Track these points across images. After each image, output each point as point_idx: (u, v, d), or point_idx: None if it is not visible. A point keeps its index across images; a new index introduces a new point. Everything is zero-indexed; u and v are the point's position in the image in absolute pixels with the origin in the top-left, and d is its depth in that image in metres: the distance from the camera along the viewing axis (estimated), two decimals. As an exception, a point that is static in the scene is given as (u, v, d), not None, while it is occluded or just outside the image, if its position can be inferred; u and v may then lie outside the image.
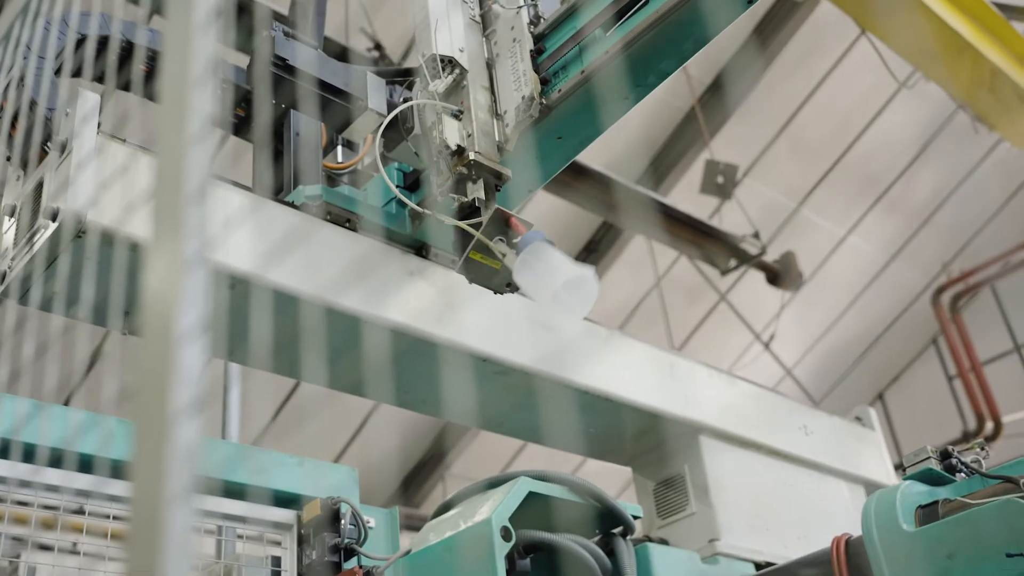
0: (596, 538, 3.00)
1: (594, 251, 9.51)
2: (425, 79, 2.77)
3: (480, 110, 2.75)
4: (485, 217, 2.57)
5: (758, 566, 3.33)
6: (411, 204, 2.78)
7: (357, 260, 2.83)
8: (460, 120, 2.71)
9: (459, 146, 2.65)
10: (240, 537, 2.73)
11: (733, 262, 8.56)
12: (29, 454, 2.15)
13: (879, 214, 10.90)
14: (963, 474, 2.85)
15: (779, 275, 8.81)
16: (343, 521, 2.58)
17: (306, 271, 2.68)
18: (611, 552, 2.95)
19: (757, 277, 9.27)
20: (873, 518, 2.64)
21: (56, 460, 2.20)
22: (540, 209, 8.77)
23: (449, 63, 2.82)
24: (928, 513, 2.62)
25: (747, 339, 10.10)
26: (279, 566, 2.63)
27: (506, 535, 2.66)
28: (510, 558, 2.71)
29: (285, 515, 2.64)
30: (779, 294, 9.54)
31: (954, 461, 2.86)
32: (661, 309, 9.13)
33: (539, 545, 2.81)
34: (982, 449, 2.98)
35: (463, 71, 2.81)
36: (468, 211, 2.62)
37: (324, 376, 2.92)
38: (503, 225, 2.59)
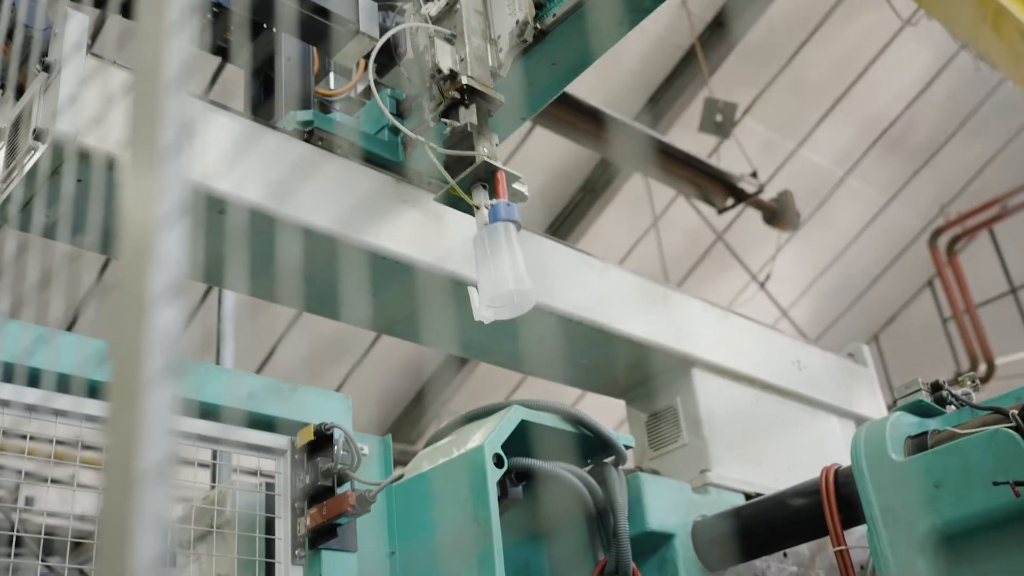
0: (588, 467, 3.02)
1: (591, 190, 9.46)
2: (417, 2, 2.72)
3: (473, 34, 2.70)
4: (477, 147, 2.54)
5: (748, 496, 3.36)
6: (404, 130, 2.75)
7: (350, 187, 2.81)
8: (453, 44, 2.66)
9: (452, 70, 2.60)
10: (235, 470, 2.74)
11: (730, 201, 8.53)
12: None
13: (878, 155, 10.83)
14: (953, 406, 2.87)
15: (776, 214, 8.78)
16: (336, 447, 2.59)
17: (298, 198, 2.66)
18: (602, 481, 2.98)
19: (754, 217, 9.24)
20: (863, 448, 2.65)
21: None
22: (537, 146, 8.71)
23: None
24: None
25: (743, 279, 10.10)
26: (273, 490, 2.65)
27: (498, 462, 2.68)
28: (502, 485, 2.74)
29: (279, 440, 2.65)
30: (776, 235, 9.52)
31: (944, 393, 2.87)
32: (658, 248, 9.11)
33: (531, 473, 2.83)
34: (973, 383, 2.99)
35: None
36: (460, 137, 2.58)
37: (314, 304, 2.93)
38: (488, 176, 2.53)
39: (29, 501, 7.83)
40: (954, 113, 10.84)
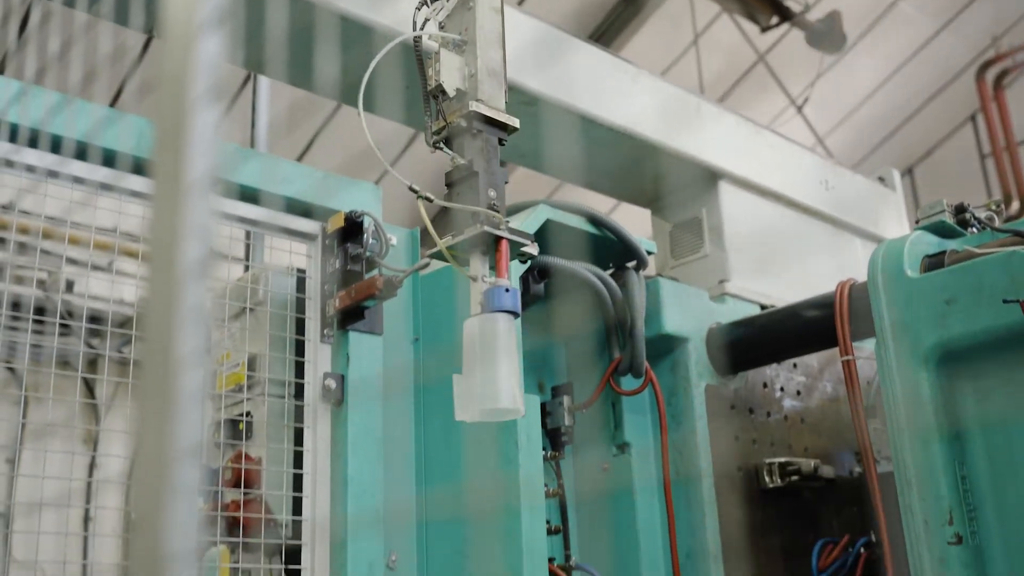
0: (610, 271, 3.10)
1: (632, 2, 9.19)
2: None
3: (488, 44, 2.29)
4: (481, 192, 2.18)
5: (763, 308, 3.44)
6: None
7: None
8: (463, 54, 2.27)
9: (459, 90, 2.23)
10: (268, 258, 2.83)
11: (775, 19, 8.28)
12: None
13: (934, -21, 10.41)
14: (975, 229, 2.90)
15: (822, 36, 8.53)
16: (366, 234, 2.67)
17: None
18: (623, 284, 3.06)
19: (798, 39, 8.98)
20: (880, 263, 2.70)
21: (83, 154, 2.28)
22: (581, -48, 8.42)
23: None
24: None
25: (781, 103, 9.93)
26: (303, 274, 2.75)
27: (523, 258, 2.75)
28: (525, 281, 2.83)
29: (310, 225, 2.73)
30: (819, 59, 9.28)
31: (967, 216, 2.90)
32: (696, 66, 8.93)
33: (553, 270, 2.91)
34: (997, 207, 3.01)
35: None
36: (463, 175, 2.21)
37: (337, 88, 2.90)
38: (490, 244, 2.17)
39: (70, 285, 8.09)
40: (1020, -64, 10.33)
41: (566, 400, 3.10)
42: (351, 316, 2.64)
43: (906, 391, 2.56)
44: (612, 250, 3.09)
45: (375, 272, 2.63)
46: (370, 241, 2.67)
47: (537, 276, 2.88)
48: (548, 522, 2.84)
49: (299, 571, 2.49)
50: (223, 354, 2.92)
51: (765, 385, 3.28)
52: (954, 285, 2.54)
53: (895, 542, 2.57)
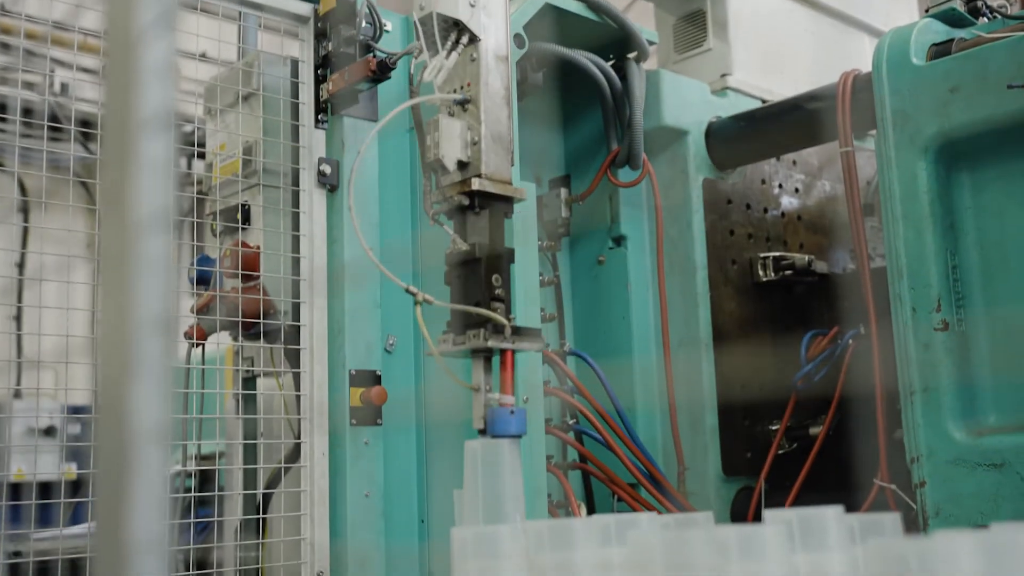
0: (610, 62, 3.04)
1: None
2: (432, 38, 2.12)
3: (495, 104, 2.07)
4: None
5: (765, 104, 3.39)
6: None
7: None
8: (465, 114, 2.07)
9: (460, 162, 2.04)
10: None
11: None
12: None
13: None
14: (987, 19, 2.82)
15: None
16: (359, 17, 2.60)
17: None
18: (623, 75, 3.00)
19: None
20: (885, 52, 2.64)
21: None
22: None
23: (455, 27, 2.14)
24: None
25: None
26: (298, 60, 2.69)
27: (519, 42, 2.70)
28: (522, 70, 2.77)
29: (302, 7, 2.65)
30: None
31: (979, 4, 2.82)
32: None
33: (552, 58, 2.85)
34: (1011, -3, 2.92)
35: (473, 37, 2.13)
36: (463, 259, 2.06)
37: None
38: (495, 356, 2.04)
39: (64, 88, 7.98)
40: None
41: (563, 192, 3.11)
42: (346, 101, 2.60)
43: (903, 181, 2.55)
44: (613, 40, 3.02)
45: (369, 56, 2.57)
46: (363, 24, 2.60)
47: (535, 64, 2.82)
48: (543, 310, 2.89)
49: (298, 351, 2.55)
50: (219, 145, 2.90)
51: (763, 181, 3.27)
52: (959, 72, 2.49)
53: (883, 336, 2.61)
